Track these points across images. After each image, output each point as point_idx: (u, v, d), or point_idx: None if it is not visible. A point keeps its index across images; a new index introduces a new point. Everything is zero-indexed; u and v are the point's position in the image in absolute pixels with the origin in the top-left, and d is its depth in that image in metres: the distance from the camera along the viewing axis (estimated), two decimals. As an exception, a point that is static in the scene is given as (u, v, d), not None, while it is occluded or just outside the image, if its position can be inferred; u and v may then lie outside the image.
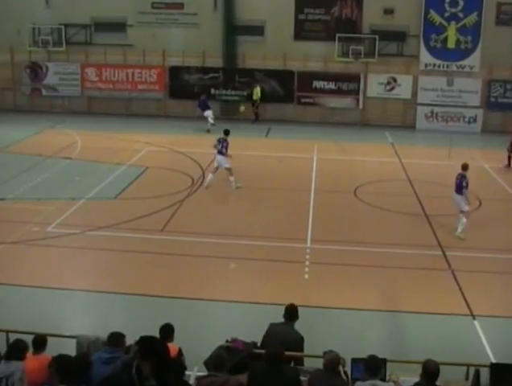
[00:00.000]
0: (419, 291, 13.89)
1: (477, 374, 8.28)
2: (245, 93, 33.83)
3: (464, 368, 8.74)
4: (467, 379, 8.61)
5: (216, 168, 21.06)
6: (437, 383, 7.23)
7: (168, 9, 34.26)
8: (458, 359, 9.26)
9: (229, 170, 20.99)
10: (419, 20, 32.97)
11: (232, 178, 20.98)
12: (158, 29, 34.07)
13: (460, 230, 16.93)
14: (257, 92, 33.30)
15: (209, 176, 21.12)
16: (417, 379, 7.32)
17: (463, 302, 13.20)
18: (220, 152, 20.88)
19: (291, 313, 9.09)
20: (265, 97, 33.56)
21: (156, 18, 34.35)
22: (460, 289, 13.86)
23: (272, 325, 9.15)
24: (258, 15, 33.37)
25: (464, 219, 16.87)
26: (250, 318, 12.22)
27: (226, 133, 21.41)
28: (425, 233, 17.48)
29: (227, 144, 20.91)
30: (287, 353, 8.14)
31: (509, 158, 25.16)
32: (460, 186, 16.80)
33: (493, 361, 9.97)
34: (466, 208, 16.95)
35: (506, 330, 12.28)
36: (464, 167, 17.15)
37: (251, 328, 10.85)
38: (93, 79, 34.71)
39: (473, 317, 12.57)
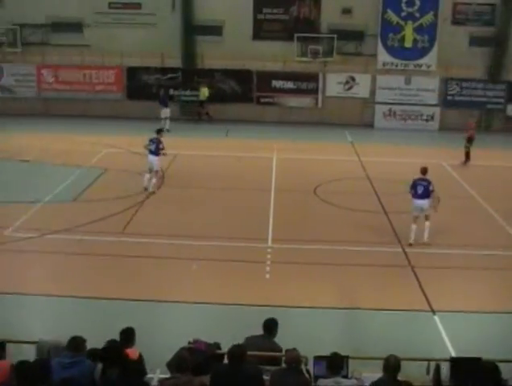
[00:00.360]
0: (379, 288, 14.00)
1: (438, 368, 8.36)
2: (204, 93, 33.74)
3: (425, 363, 8.82)
4: (428, 373, 8.70)
5: (150, 169, 20.68)
6: (398, 378, 7.31)
7: (125, 9, 33.98)
8: (419, 354, 9.36)
9: (156, 172, 20.73)
10: (376, 19, 33.31)
11: (154, 181, 20.55)
12: (115, 29, 33.72)
13: (426, 236, 16.55)
14: (204, 92, 33.18)
15: (152, 180, 20.57)
16: (379, 375, 7.39)
17: (423, 298, 13.37)
18: (152, 152, 20.59)
19: (271, 327, 9.02)
20: (225, 97, 33.58)
21: (113, 19, 34.02)
22: (420, 285, 14.03)
23: (249, 338, 8.94)
24: (217, 15, 33.34)
25: (427, 223, 16.58)
26: (212, 319, 12.20)
27: (158, 132, 21.26)
28: (385, 230, 17.64)
29: (163, 146, 20.62)
30: (252, 353, 8.13)
31: (466, 153, 25.57)
32: (428, 191, 16.44)
33: (453, 355, 10.11)
34: (431, 212, 16.70)
35: (466, 325, 12.47)
36: (424, 171, 16.76)
37: (213, 329, 10.86)
38: (50, 80, 34.25)
39: (433, 312, 12.74)
